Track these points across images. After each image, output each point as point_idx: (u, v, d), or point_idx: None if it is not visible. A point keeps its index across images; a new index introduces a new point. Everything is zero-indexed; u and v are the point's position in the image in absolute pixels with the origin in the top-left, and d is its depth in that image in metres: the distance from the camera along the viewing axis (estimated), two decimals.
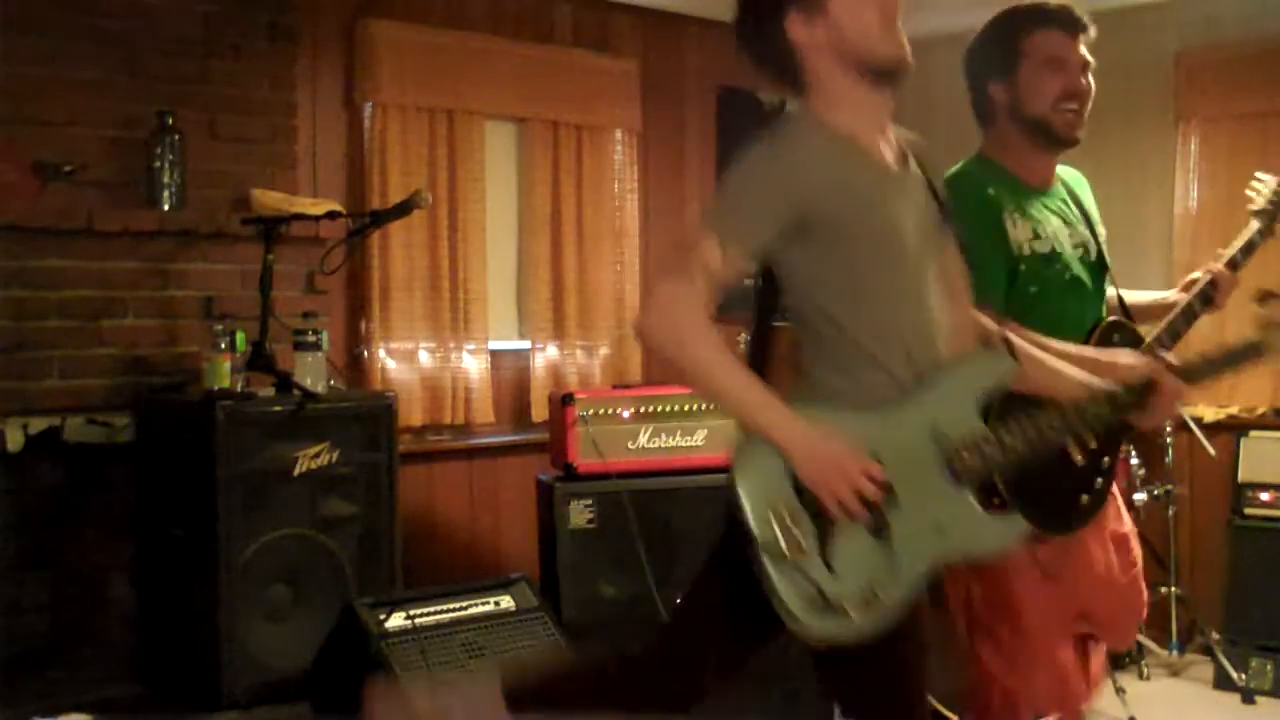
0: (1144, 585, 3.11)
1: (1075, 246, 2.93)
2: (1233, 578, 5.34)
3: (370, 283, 5.00)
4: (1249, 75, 5.53)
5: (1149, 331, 3.06)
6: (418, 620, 3.77)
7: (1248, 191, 3.30)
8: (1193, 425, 5.15)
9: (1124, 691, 4.69)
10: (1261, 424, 5.48)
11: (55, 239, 4.06)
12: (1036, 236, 2.84)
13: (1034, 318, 2.73)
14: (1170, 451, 5.29)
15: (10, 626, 3.97)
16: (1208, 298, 3.14)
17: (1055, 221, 2.92)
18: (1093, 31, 2.93)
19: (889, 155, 2.40)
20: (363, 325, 5.03)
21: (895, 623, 2.28)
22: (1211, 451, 5.12)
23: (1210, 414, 5.48)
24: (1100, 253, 2.99)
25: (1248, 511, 5.38)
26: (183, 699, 3.93)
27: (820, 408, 2.31)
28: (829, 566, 2.24)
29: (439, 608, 3.87)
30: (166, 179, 4.28)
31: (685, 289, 2.26)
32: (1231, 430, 5.47)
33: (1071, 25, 2.90)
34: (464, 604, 3.93)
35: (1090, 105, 2.94)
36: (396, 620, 3.76)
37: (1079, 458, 2.84)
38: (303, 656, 3.87)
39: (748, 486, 2.26)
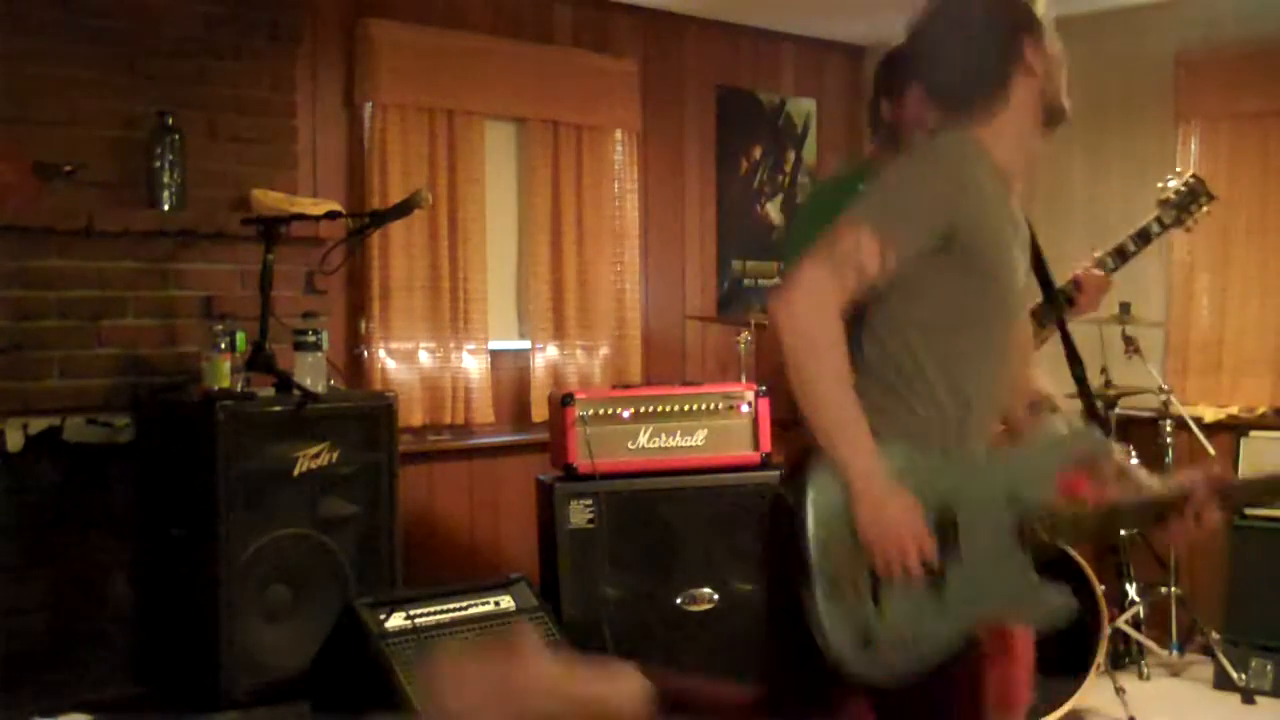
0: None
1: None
2: (1233, 578, 5.34)
3: (370, 283, 5.00)
4: (1249, 75, 5.53)
5: None
6: (418, 620, 3.77)
7: (1158, 184, 3.30)
8: (1193, 425, 5.15)
9: (1124, 691, 4.70)
10: (1261, 424, 5.48)
11: (55, 239, 4.06)
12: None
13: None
14: (1170, 451, 5.29)
15: (10, 626, 3.97)
16: (1067, 298, 3.16)
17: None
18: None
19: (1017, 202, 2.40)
20: (363, 325, 5.03)
21: (927, 669, 2.24)
22: (1211, 451, 5.12)
23: (1210, 414, 5.48)
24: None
25: (1248, 511, 5.37)
26: (183, 699, 3.93)
27: (903, 444, 2.25)
28: (877, 605, 2.20)
29: (439, 608, 3.87)
30: (166, 179, 4.28)
31: (833, 285, 2.18)
32: (1231, 430, 5.47)
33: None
34: (464, 604, 3.92)
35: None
36: (396, 620, 3.75)
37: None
38: (303, 656, 3.87)
39: (817, 509, 2.20)
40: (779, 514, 2.27)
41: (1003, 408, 2.42)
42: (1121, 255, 3.30)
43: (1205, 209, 3.27)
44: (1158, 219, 3.23)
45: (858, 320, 2.31)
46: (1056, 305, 3.08)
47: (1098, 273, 3.15)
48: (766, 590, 2.41)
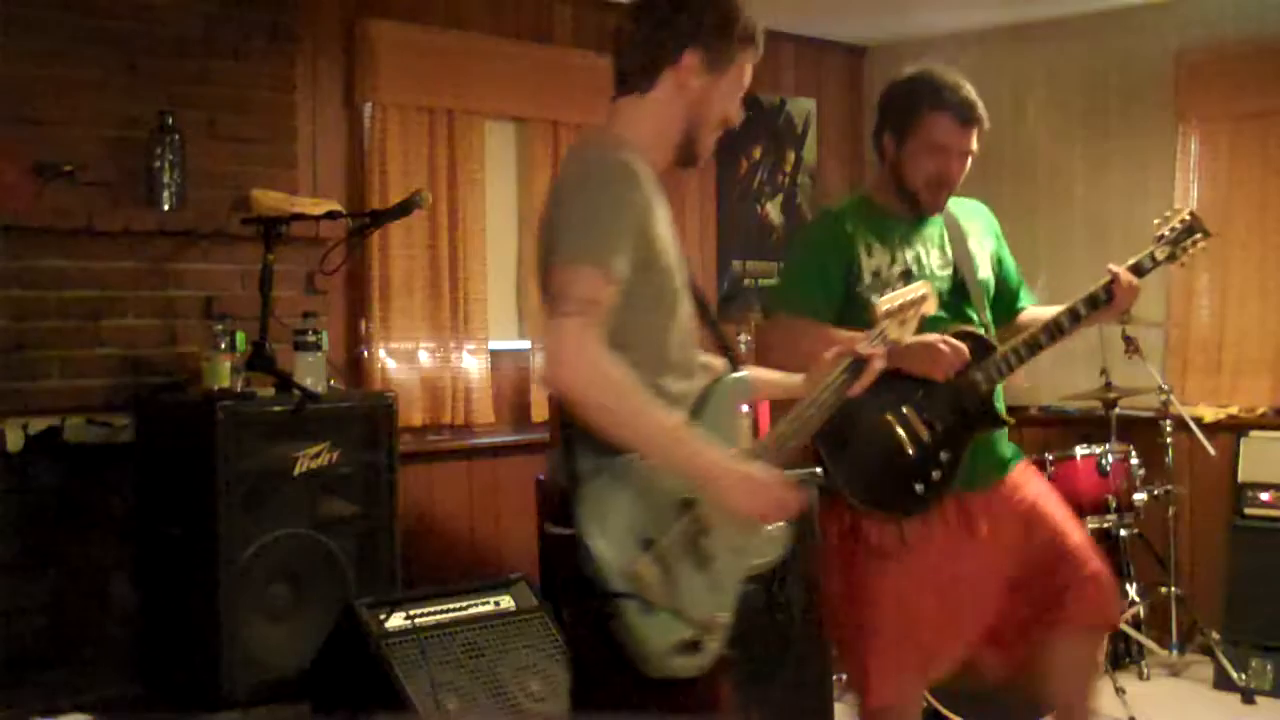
0: (1073, 544, 3.19)
1: (940, 268, 3.18)
2: (1233, 578, 5.34)
3: (370, 283, 5.00)
4: (1249, 75, 5.53)
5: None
6: (418, 620, 3.77)
7: (1155, 220, 3.39)
8: (1193, 425, 5.15)
9: (1124, 691, 4.70)
10: (1261, 424, 5.48)
11: (55, 239, 4.06)
12: (894, 263, 3.12)
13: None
14: (1170, 451, 5.29)
15: (10, 626, 3.97)
16: (1097, 300, 3.21)
17: (919, 249, 3.17)
18: (986, 124, 3.15)
19: None
20: (363, 325, 5.03)
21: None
22: (1211, 451, 5.12)
23: (1210, 414, 5.48)
24: (962, 280, 3.20)
25: (1248, 511, 5.38)
26: (183, 699, 3.93)
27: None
28: (679, 605, 2.26)
29: (439, 608, 3.87)
30: (166, 179, 4.28)
31: (590, 329, 2.21)
32: (1231, 430, 5.47)
33: (966, 117, 3.11)
34: (464, 604, 3.92)
35: (957, 187, 3.19)
36: (396, 620, 3.75)
37: (910, 450, 3.06)
38: (303, 656, 3.87)
39: (598, 537, 2.23)
40: (563, 552, 2.27)
41: (698, 374, 2.49)
42: (1138, 272, 3.36)
43: (1201, 245, 3.33)
44: (1151, 254, 3.32)
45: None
46: (1093, 300, 3.20)
47: (1133, 278, 3.24)
48: (568, 626, 2.44)
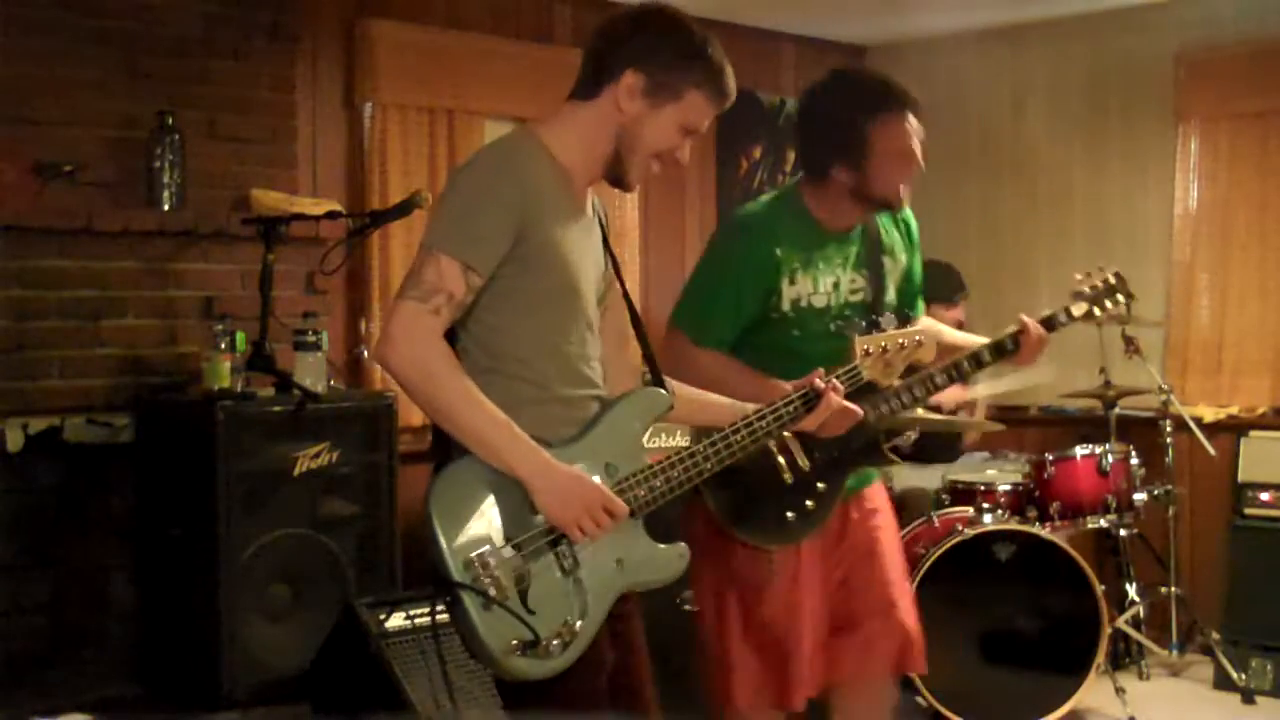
0: (894, 597, 3.16)
1: (852, 293, 3.08)
2: (1233, 578, 5.34)
3: (370, 283, 5.00)
4: (1249, 75, 5.53)
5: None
6: (418, 620, 3.77)
7: (1076, 275, 3.31)
8: (1193, 425, 5.15)
9: (1124, 691, 4.70)
10: (1261, 424, 5.48)
11: (55, 239, 4.06)
12: (815, 291, 3.03)
13: (792, 358, 2.87)
14: (1170, 451, 5.29)
15: (10, 626, 3.97)
16: (1003, 348, 3.13)
17: (838, 274, 3.06)
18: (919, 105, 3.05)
19: (587, 202, 2.50)
20: (363, 325, 5.03)
21: (582, 654, 2.31)
22: (1211, 451, 5.12)
23: (1210, 414, 5.49)
24: (870, 303, 3.08)
25: (1248, 511, 5.38)
26: (183, 699, 3.93)
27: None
28: (527, 607, 2.25)
29: (439, 608, 3.86)
30: (166, 179, 4.28)
31: (430, 318, 2.24)
32: (1231, 430, 5.48)
33: (908, 106, 3.02)
34: None
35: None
36: (396, 620, 3.75)
37: (788, 477, 2.99)
38: (303, 656, 3.87)
39: (447, 527, 2.26)
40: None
41: (591, 383, 2.46)
42: (1049, 326, 3.25)
43: (1120, 308, 3.29)
44: (1067, 310, 3.23)
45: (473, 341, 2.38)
46: (998, 347, 3.11)
47: (1042, 331, 3.14)
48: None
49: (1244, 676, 4.96)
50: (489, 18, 5.40)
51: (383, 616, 3.74)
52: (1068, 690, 4.49)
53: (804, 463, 2.99)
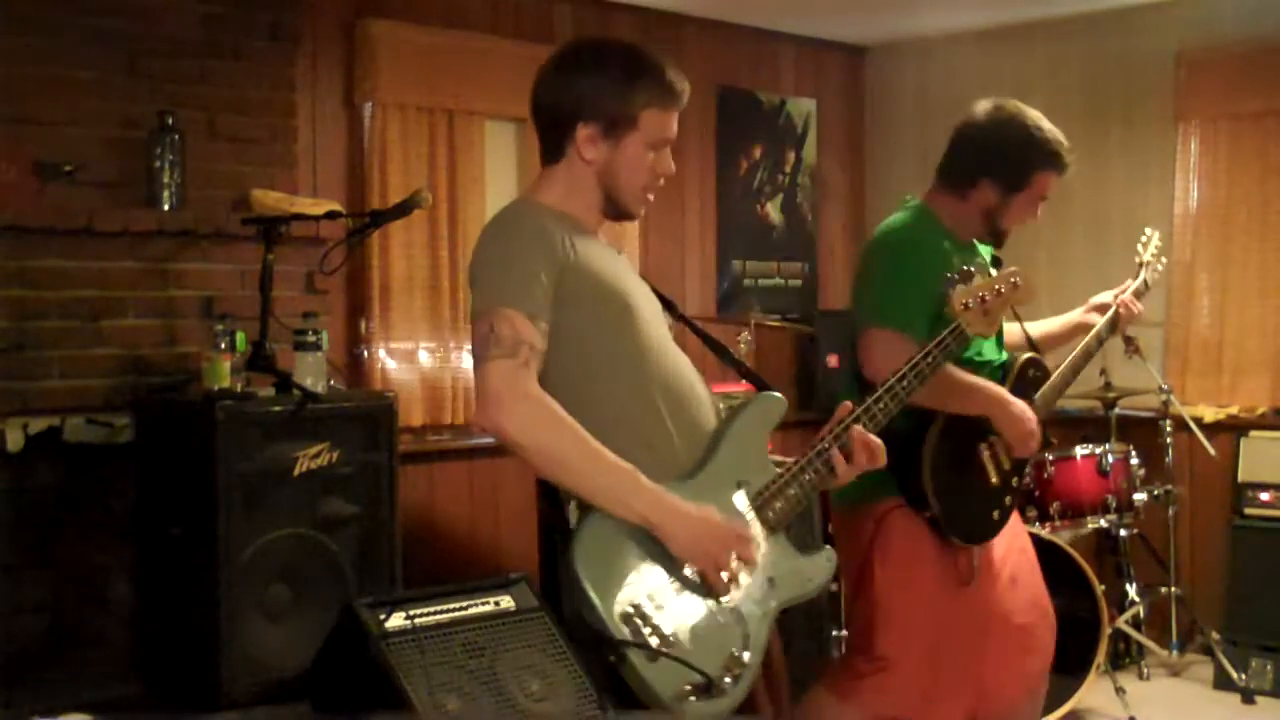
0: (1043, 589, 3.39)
1: None
2: (1233, 578, 5.34)
3: (370, 283, 5.00)
4: (1249, 75, 5.53)
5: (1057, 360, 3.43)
6: (418, 620, 3.76)
7: (1138, 245, 3.65)
8: (1193, 425, 5.15)
9: (1124, 691, 4.70)
10: (1261, 424, 5.48)
11: (55, 239, 4.06)
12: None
13: (964, 356, 3.03)
14: (1170, 451, 5.29)
15: (10, 626, 3.97)
16: (1113, 325, 3.52)
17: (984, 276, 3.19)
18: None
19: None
20: (363, 325, 5.03)
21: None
22: (1211, 451, 5.12)
23: (1210, 414, 5.49)
24: None
25: (1248, 511, 5.38)
26: (183, 699, 3.93)
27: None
28: (681, 652, 2.20)
29: (439, 608, 3.85)
30: (166, 179, 4.28)
31: (525, 372, 2.21)
32: (1231, 430, 5.48)
33: (1065, 169, 3.23)
34: (464, 604, 3.90)
35: None
36: (396, 620, 3.74)
37: (994, 479, 3.16)
38: (303, 656, 3.86)
39: (598, 585, 2.20)
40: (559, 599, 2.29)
41: (698, 401, 2.45)
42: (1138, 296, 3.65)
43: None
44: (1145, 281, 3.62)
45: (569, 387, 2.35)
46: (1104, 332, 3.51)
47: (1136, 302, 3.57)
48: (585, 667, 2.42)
49: (1244, 676, 4.96)
50: (489, 18, 5.40)
51: (383, 616, 3.74)
52: (1068, 690, 4.49)
53: (1006, 463, 3.16)
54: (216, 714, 3.82)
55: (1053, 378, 3.35)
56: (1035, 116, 3.23)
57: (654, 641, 2.16)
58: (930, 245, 3.11)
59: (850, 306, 3.23)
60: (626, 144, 2.44)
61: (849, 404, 2.50)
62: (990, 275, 2.71)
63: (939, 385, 2.73)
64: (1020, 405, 3.10)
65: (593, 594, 2.18)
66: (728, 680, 2.22)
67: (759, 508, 2.35)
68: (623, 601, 2.18)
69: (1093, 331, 3.49)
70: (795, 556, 2.39)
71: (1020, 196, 3.18)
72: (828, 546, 2.46)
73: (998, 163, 3.16)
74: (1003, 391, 3.11)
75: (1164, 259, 3.67)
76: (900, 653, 3.10)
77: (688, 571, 2.24)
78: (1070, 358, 3.44)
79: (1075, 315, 3.59)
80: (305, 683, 3.83)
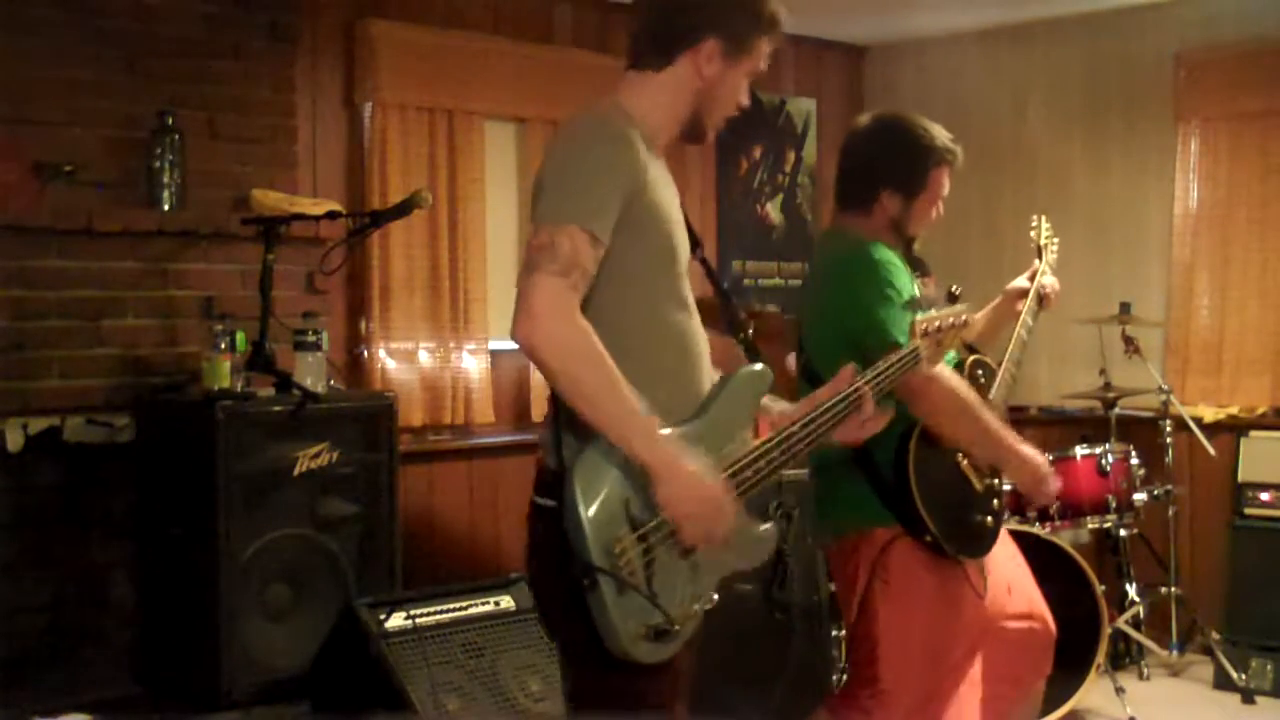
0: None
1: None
2: (1233, 578, 5.34)
3: (370, 283, 5.00)
4: (1249, 75, 5.53)
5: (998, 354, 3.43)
6: (418, 620, 3.77)
7: (1030, 232, 3.72)
8: (1193, 425, 5.15)
9: (1124, 691, 4.70)
10: (1261, 424, 5.48)
11: (55, 239, 4.06)
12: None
13: None
14: (1170, 451, 5.29)
15: (10, 626, 3.97)
16: (1038, 308, 3.56)
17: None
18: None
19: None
20: (363, 325, 5.03)
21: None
22: (1211, 451, 5.12)
23: (1210, 414, 5.49)
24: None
25: (1248, 511, 5.38)
26: (183, 699, 3.93)
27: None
28: (654, 590, 2.22)
29: (439, 608, 3.87)
30: (166, 179, 4.28)
31: (571, 295, 2.18)
32: (1231, 430, 5.48)
33: (956, 162, 3.23)
34: (464, 604, 3.92)
35: None
36: (396, 620, 3.75)
37: (979, 485, 3.16)
38: (303, 656, 3.87)
39: (591, 514, 2.18)
40: (545, 524, 2.26)
41: (702, 364, 2.45)
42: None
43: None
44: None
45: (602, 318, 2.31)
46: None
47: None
48: (542, 601, 2.41)
49: (1244, 676, 4.96)
50: (489, 18, 5.40)
51: (382, 616, 3.74)
52: (1068, 690, 4.49)
53: (985, 468, 3.16)
54: (216, 714, 3.82)
55: (999, 375, 3.35)
56: (915, 118, 3.22)
57: (629, 576, 2.18)
58: (897, 260, 3.13)
59: (819, 318, 3.20)
60: (739, 68, 2.43)
61: (853, 366, 2.55)
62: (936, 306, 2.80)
63: (967, 421, 2.93)
64: (1032, 456, 3.10)
65: (584, 518, 2.17)
66: (678, 629, 2.24)
67: (733, 473, 2.34)
68: (607, 532, 2.19)
69: (1020, 320, 3.50)
70: (752, 526, 2.41)
71: (921, 199, 3.18)
72: (774, 527, 2.49)
73: (894, 170, 3.16)
74: (1021, 448, 3.09)
75: (1057, 239, 3.77)
76: (901, 685, 3.08)
77: (662, 520, 2.25)
78: (1009, 351, 3.42)
79: (995, 306, 3.59)
80: (305, 683, 3.85)
